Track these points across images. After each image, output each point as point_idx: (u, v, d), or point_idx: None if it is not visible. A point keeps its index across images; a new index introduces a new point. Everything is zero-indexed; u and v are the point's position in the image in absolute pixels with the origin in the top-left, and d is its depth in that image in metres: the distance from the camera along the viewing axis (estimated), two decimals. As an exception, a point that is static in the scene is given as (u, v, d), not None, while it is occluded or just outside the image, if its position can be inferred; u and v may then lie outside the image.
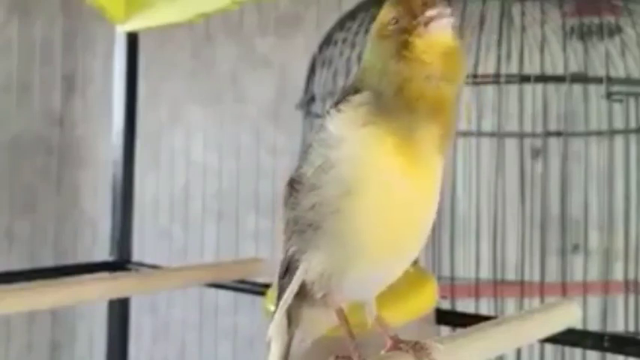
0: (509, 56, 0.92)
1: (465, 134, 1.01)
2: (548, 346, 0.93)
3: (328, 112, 0.49)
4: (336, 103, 0.49)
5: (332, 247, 0.47)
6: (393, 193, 0.46)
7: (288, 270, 0.50)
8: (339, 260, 0.47)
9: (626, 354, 0.80)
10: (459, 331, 0.62)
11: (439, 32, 0.46)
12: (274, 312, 0.51)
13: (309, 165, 0.48)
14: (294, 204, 0.49)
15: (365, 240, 0.47)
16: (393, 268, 0.50)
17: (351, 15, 1.01)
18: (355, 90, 0.48)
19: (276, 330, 0.52)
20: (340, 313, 0.51)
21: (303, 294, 0.50)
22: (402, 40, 0.46)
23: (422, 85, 0.46)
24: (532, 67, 0.91)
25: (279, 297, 0.51)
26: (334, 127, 0.47)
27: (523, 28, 0.90)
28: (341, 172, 0.46)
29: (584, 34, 0.91)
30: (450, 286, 0.90)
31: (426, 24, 0.46)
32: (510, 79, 0.88)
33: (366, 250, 0.47)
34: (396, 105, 0.46)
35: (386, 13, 0.48)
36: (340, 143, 0.47)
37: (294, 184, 0.49)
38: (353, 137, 0.46)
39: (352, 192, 0.46)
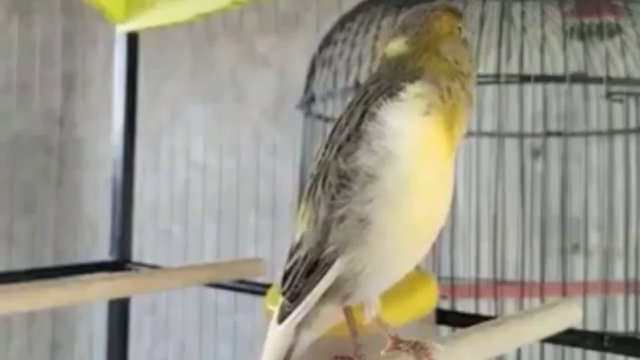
0: (509, 56, 0.92)
1: (465, 134, 1.01)
2: (548, 346, 0.93)
3: (379, 102, 0.48)
4: (385, 92, 0.48)
5: (378, 242, 0.46)
6: (440, 185, 0.48)
7: (315, 268, 0.48)
8: (383, 256, 0.47)
9: (626, 354, 0.80)
10: (459, 331, 0.62)
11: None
12: (286, 312, 0.49)
13: (367, 157, 0.47)
14: (347, 198, 0.47)
15: (411, 236, 0.47)
16: (412, 264, 0.50)
17: (351, 15, 1.01)
18: (414, 79, 0.49)
19: (282, 334, 0.50)
20: (348, 312, 0.50)
21: (324, 293, 0.49)
22: (470, 51, 0.53)
23: (473, 87, 0.52)
24: (532, 67, 0.91)
25: (295, 298, 0.48)
26: (392, 117, 0.47)
27: (523, 28, 0.90)
28: (402, 163, 0.46)
29: (584, 34, 0.91)
30: (450, 286, 0.90)
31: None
32: (510, 79, 0.88)
33: (409, 245, 0.47)
34: (460, 98, 0.49)
35: (453, 20, 0.53)
36: (400, 134, 0.47)
37: (344, 177, 0.47)
38: (414, 128, 0.47)
39: (411, 183, 0.46)
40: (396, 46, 0.52)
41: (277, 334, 0.51)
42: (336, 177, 0.47)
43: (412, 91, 0.48)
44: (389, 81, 0.49)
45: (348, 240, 0.47)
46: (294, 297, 0.49)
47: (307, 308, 0.49)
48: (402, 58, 0.51)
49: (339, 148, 0.48)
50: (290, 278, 0.49)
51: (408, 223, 0.47)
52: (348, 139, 0.48)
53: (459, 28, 0.52)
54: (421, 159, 0.47)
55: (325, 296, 0.49)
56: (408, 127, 0.47)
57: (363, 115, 0.48)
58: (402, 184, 0.46)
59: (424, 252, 0.50)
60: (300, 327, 0.50)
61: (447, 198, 0.49)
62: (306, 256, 0.48)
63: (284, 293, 0.49)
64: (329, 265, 0.47)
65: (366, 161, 0.47)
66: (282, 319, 0.50)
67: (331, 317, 0.51)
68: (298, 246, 0.49)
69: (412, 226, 0.47)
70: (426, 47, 0.51)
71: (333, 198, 0.47)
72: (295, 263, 0.49)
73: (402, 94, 0.48)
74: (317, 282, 0.48)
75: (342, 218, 0.47)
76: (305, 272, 0.48)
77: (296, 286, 0.48)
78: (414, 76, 0.49)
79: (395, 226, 0.46)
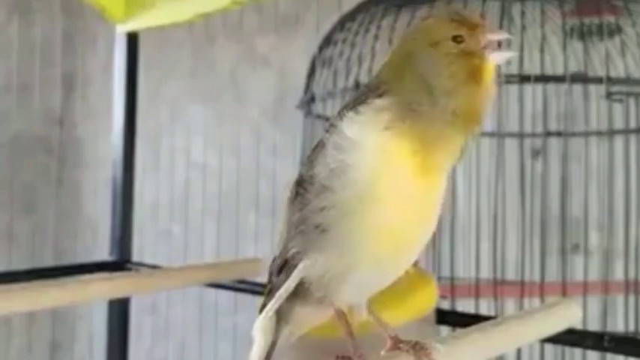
0: (509, 56, 0.92)
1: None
2: (548, 346, 0.93)
3: (343, 114, 0.48)
4: (354, 105, 0.48)
5: (337, 250, 0.47)
6: (406, 199, 0.47)
7: (284, 268, 0.50)
8: (343, 263, 0.47)
9: (626, 354, 0.80)
10: (459, 331, 0.62)
11: (498, 59, 0.49)
12: (262, 308, 0.51)
13: (323, 167, 0.47)
14: (303, 204, 0.48)
15: (372, 244, 0.47)
16: (391, 272, 0.50)
17: (351, 15, 1.01)
18: (377, 91, 0.48)
19: (263, 326, 0.52)
20: (340, 313, 0.51)
21: (296, 292, 0.50)
22: (472, 63, 0.48)
23: (477, 105, 0.48)
24: (532, 67, 0.91)
25: (270, 294, 0.51)
26: (351, 130, 0.47)
27: (523, 28, 0.90)
28: (357, 176, 0.46)
29: (584, 34, 0.91)
30: (450, 286, 0.90)
31: (491, 50, 0.49)
32: (510, 79, 0.88)
33: (371, 254, 0.47)
34: (432, 115, 0.47)
35: (446, 28, 0.48)
36: (357, 147, 0.46)
37: (303, 185, 0.49)
38: (372, 141, 0.46)
39: (367, 197, 0.46)
40: (386, 56, 0.52)
41: (259, 325, 0.53)
42: (297, 183, 0.50)
43: (374, 104, 0.47)
44: (362, 93, 0.49)
45: (308, 245, 0.48)
46: (269, 292, 0.51)
47: (277, 304, 0.50)
48: (381, 69, 0.51)
49: (308, 157, 0.50)
50: (270, 275, 0.52)
51: (367, 234, 0.47)
52: (315, 148, 0.49)
53: (459, 37, 0.48)
54: (378, 172, 0.46)
55: (298, 295, 0.50)
56: (364, 140, 0.46)
57: (329, 127, 0.49)
58: (356, 195, 0.46)
59: (405, 260, 0.50)
60: (279, 321, 0.52)
61: (424, 215, 0.48)
62: (279, 256, 0.51)
63: (266, 286, 0.52)
64: (294, 266, 0.49)
65: (320, 170, 0.48)
66: (260, 310, 0.52)
67: (311, 315, 0.52)
68: (277, 246, 0.52)
69: (372, 237, 0.47)
70: (401, 59, 0.49)
71: (292, 203, 0.50)
72: (273, 261, 0.52)
73: (362, 108, 0.47)
74: (284, 280, 0.50)
75: (299, 223, 0.48)
76: (277, 270, 0.51)
77: (271, 283, 0.51)
78: (378, 89, 0.48)
79: (350, 235, 0.47)
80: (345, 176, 0.46)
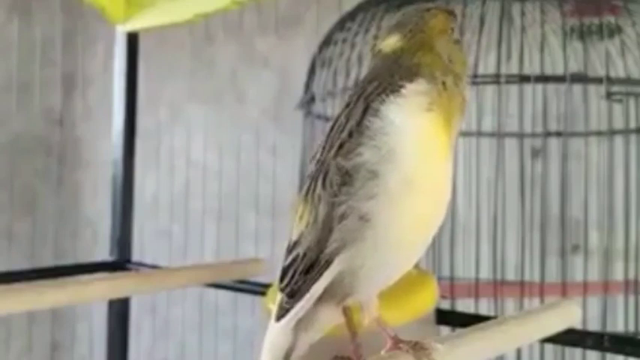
0: (509, 56, 0.92)
1: (465, 134, 1.01)
2: (548, 346, 0.93)
3: (381, 98, 0.48)
4: (386, 89, 0.48)
5: (376, 240, 0.46)
6: (440, 182, 0.48)
7: (314, 265, 0.47)
8: (378, 254, 0.47)
9: (626, 354, 0.80)
10: (459, 331, 0.62)
11: None
12: (285, 309, 0.49)
13: (371, 153, 0.46)
14: (349, 195, 0.46)
15: (410, 232, 0.47)
16: (410, 262, 0.50)
17: (351, 15, 1.01)
18: (411, 75, 0.49)
19: (281, 330, 0.50)
20: (348, 311, 0.50)
21: (321, 294, 0.48)
22: (463, 52, 0.54)
23: (466, 88, 0.52)
24: (532, 67, 0.91)
25: (294, 295, 0.48)
26: (394, 113, 0.47)
27: (523, 28, 0.90)
28: (403, 159, 0.46)
29: (584, 34, 0.91)
30: (450, 286, 0.90)
31: None
32: (510, 79, 0.88)
33: (408, 243, 0.48)
34: (452, 97, 0.50)
35: (447, 20, 0.53)
36: (402, 130, 0.46)
37: (346, 174, 0.47)
38: (415, 124, 0.47)
39: (411, 180, 0.46)
40: (392, 43, 0.52)
41: (276, 333, 0.50)
42: (337, 174, 0.47)
43: (413, 87, 0.48)
44: (388, 78, 0.49)
45: (348, 237, 0.46)
46: (292, 294, 0.48)
47: (307, 306, 0.48)
48: (397, 55, 0.51)
49: (340, 146, 0.48)
50: (289, 275, 0.49)
51: (408, 220, 0.47)
52: (350, 135, 0.48)
53: (452, 29, 0.53)
54: (423, 156, 0.47)
55: (324, 295, 0.48)
56: (410, 124, 0.47)
57: (364, 112, 0.48)
58: (403, 180, 0.46)
59: (423, 249, 0.51)
60: (298, 326, 0.50)
61: (447, 195, 0.50)
62: (305, 254, 0.48)
63: (282, 290, 0.49)
64: (329, 263, 0.47)
65: (368, 158, 0.46)
66: (280, 316, 0.49)
67: (330, 317, 0.50)
68: (296, 244, 0.49)
69: (412, 223, 0.47)
70: (421, 44, 0.51)
71: (334, 195, 0.47)
72: (294, 260, 0.48)
73: (403, 91, 0.48)
74: (316, 279, 0.47)
75: (343, 216, 0.46)
76: (304, 269, 0.48)
77: (295, 283, 0.48)
78: (411, 73, 0.49)
79: (395, 222, 0.46)
80: (392, 161, 0.46)
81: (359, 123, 0.47)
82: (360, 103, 0.49)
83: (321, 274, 0.47)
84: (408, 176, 0.46)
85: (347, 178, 0.47)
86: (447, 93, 0.49)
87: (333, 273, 0.47)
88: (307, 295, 0.48)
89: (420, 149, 0.47)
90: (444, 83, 0.49)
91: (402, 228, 0.47)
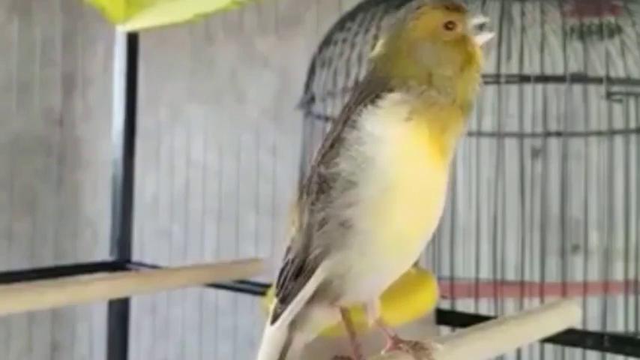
0: (509, 56, 0.92)
1: (465, 134, 1.01)
2: (548, 346, 0.93)
3: (360, 110, 0.48)
4: (365, 100, 0.48)
5: (361, 246, 0.47)
6: (426, 187, 0.48)
7: (302, 271, 0.49)
8: (366, 259, 0.47)
9: (626, 354, 0.80)
10: (459, 331, 0.62)
11: (483, 40, 0.51)
12: (277, 313, 0.50)
13: (347, 163, 0.47)
14: (327, 202, 0.47)
15: (397, 238, 0.47)
16: (404, 266, 0.50)
17: (351, 15, 1.01)
18: (386, 85, 0.48)
19: (273, 336, 0.51)
20: (345, 313, 0.51)
21: (313, 296, 0.49)
22: (465, 49, 0.50)
23: (473, 87, 0.50)
24: (532, 67, 0.91)
25: (285, 299, 0.50)
26: (372, 125, 0.47)
27: (523, 28, 0.90)
28: (383, 169, 0.46)
29: (584, 34, 0.91)
30: (450, 286, 0.90)
31: (476, 33, 0.50)
32: (510, 79, 0.88)
33: (395, 249, 0.47)
34: (440, 102, 0.48)
35: (438, 16, 0.50)
36: (381, 141, 0.47)
37: (323, 183, 0.48)
38: (395, 134, 0.47)
39: (393, 189, 0.46)
40: (377, 50, 0.52)
41: (270, 335, 0.52)
42: (316, 182, 0.49)
43: (390, 97, 0.48)
44: (368, 87, 0.49)
45: (331, 243, 0.47)
46: (284, 299, 0.50)
47: (296, 309, 0.49)
48: (377, 63, 0.51)
49: (323, 155, 0.49)
50: (281, 280, 0.50)
51: (391, 227, 0.47)
52: (331, 145, 0.49)
53: (451, 23, 0.50)
54: (403, 164, 0.47)
55: (315, 297, 0.49)
56: (388, 134, 0.47)
57: (344, 123, 0.48)
58: (384, 189, 0.46)
59: (417, 253, 0.50)
60: (292, 327, 0.51)
61: (438, 203, 0.49)
62: (294, 259, 0.49)
63: (277, 295, 0.50)
64: (315, 268, 0.48)
65: (344, 167, 0.47)
66: (274, 320, 0.51)
67: (324, 318, 0.51)
68: (289, 249, 0.50)
69: (397, 230, 0.47)
70: (397, 51, 0.50)
71: (312, 203, 0.48)
72: (286, 266, 0.50)
73: (379, 102, 0.48)
74: (304, 284, 0.49)
75: (322, 222, 0.48)
76: (293, 275, 0.49)
77: (286, 288, 0.50)
78: (386, 83, 0.49)
79: (377, 229, 0.47)
80: (370, 170, 0.46)
81: (339, 134, 0.48)
82: (344, 114, 0.49)
83: (307, 278, 0.48)
84: (389, 185, 0.46)
85: (325, 186, 0.48)
86: (432, 100, 0.48)
87: (319, 278, 0.48)
88: (296, 299, 0.49)
89: (398, 158, 0.46)
90: (422, 93, 0.48)
91: (385, 234, 0.47)
